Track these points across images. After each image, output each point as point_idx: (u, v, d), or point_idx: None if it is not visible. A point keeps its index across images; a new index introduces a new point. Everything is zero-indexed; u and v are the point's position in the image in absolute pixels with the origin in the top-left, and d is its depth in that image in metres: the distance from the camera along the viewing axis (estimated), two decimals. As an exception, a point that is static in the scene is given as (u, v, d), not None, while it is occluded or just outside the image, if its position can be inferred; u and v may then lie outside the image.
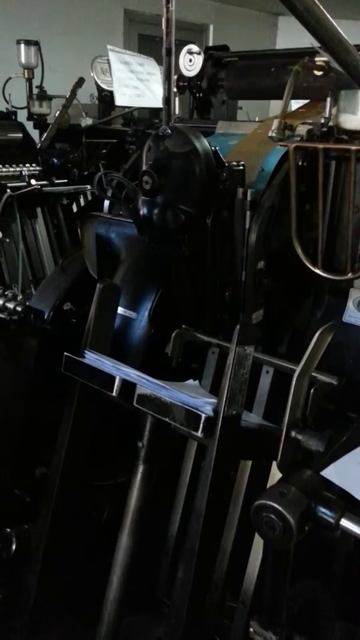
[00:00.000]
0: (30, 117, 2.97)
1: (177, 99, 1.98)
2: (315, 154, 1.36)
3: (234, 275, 1.45)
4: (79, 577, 1.35)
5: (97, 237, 1.54)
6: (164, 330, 1.37)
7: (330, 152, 1.39)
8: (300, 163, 1.38)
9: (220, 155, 1.38)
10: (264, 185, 1.45)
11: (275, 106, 1.75)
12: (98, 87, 3.20)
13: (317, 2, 0.77)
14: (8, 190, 2.35)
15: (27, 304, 1.59)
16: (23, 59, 2.98)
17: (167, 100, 1.34)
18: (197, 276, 1.43)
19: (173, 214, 1.33)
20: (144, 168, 1.33)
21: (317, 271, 1.40)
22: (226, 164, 1.39)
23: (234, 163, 1.41)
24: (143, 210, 1.35)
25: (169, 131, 1.32)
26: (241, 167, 1.42)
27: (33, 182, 2.48)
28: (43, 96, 2.96)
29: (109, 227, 1.53)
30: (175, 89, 2.01)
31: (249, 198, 1.39)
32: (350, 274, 1.39)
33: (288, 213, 1.40)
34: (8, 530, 1.44)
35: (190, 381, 1.29)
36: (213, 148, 1.37)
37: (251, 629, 1.00)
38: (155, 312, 1.38)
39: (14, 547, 1.42)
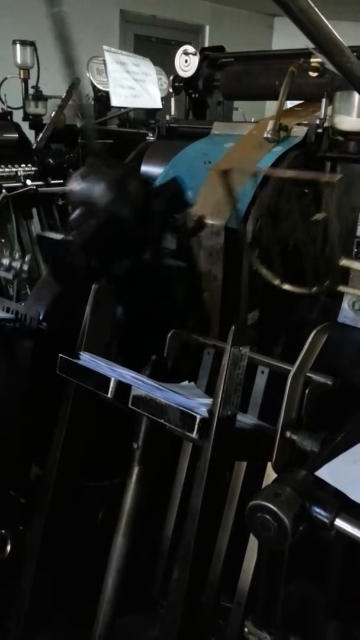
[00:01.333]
0: (25, 117, 2.97)
1: (173, 99, 1.98)
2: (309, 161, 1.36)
3: (198, 293, 1.42)
4: (74, 578, 1.34)
5: (55, 261, 1.40)
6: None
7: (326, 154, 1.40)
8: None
9: (150, 185, 1.31)
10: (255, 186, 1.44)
11: (270, 107, 1.75)
12: (94, 87, 3.21)
13: (311, 3, 0.77)
14: (3, 191, 2.35)
15: (22, 304, 1.58)
16: (19, 60, 2.98)
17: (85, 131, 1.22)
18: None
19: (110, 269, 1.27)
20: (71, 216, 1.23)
21: (279, 284, 1.38)
22: (159, 193, 1.32)
23: (170, 183, 1.35)
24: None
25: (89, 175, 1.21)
26: (176, 189, 1.35)
27: (29, 182, 2.48)
28: (39, 96, 2.96)
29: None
30: (171, 90, 2.02)
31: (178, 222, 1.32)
32: (315, 288, 1.39)
33: (284, 213, 1.40)
34: (3, 531, 1.44)
35: (186, 382, 1.29)
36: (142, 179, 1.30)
37: (246, 629, 1.00)
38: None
39: (8, 548, 1.42)
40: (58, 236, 1.29)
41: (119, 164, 1.33)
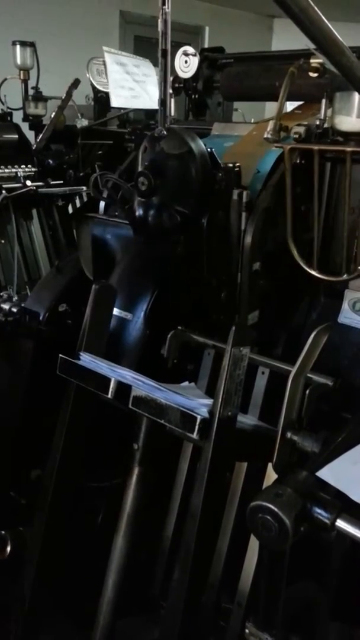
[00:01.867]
0: (25, 118, 2.96)
1: (172, 100, 1.98)
2: (311, 155, 1.37)
3: (230, 276, 1.45)
4: (74, 579, 1.34)
5: (92, 238, 1.53)
6: (160, 332, 1.37)
7: (326, 154, 1.40)
8: (297, 161, 1.38)
9: (216, 156, 1.38)
10: (260, 186, 1.46)
11: (270, 108, 1.75)
12: (94, 88, 3.21)
13: (312, 4, 0.77)
14: (3, 192, 2.35)
15: (23, 305, 1.58)
16: (19, 60, 2.98)
17: (163, 101, 1.34)
18: (193, 277, 1.43)
19: (168, 215, 1.34)
20: (139, 169, 1.33)
21: (313, 272, 1.40)
22: (222, 165, 1.39)
23: (230, 164, 1.41)
24: (139, 211, 1.35)
25: (165, 132, 1.33)
26: (237, 168, 1.42)
27: (28, 183, 2.48)
28: (39, 97, 2.96)
29: (105, 228, 1.53)
30: (170, 91, 2.02)
31: (244, 199, 1.40)
32: (345, 275, 1.40)
33: (284, 214, 1.41)
34: (3, 532, 1.44)
35: (186, 383, 1.29)
36: (209, 149, 1.37)
37: (247, 630, 1.00)
38: (151, 313, 1.38)
39: (8, 549, 1.42)
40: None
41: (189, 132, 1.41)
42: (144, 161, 1.34)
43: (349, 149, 1.33)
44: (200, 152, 1.34)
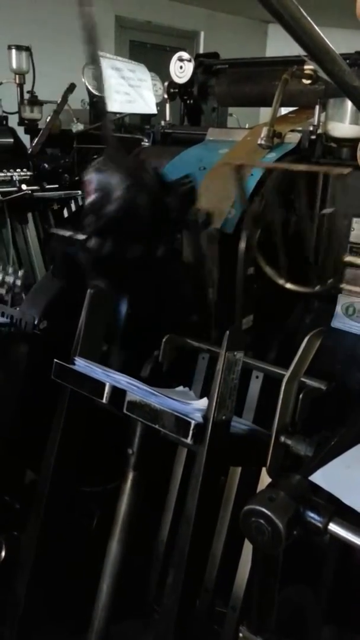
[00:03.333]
0: (21, 122, 2.97)
1: (167, 105, 1.99)
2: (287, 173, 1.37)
3: (204, 294, 1.43)
4: (68, 584, 1.34)
5: (62, 257, 1.45)
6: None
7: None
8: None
9: (163, 176, 1.33)
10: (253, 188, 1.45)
11: (265, 113, 1.76)
12: (89, 92, 3.22)
13: (303, 12, 0.78)
14: (-1, 196, 2.36)
15: (17, 309, 1.58)
16: (14, 64, 2.99)
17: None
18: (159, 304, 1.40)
19: (122, 257, 1.27)
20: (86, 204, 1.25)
21: (281, 283, 1.39)
22: (170, 184, 1.33)
23: (184, 181, 1.37)
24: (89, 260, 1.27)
25: (102, 166, 1.24)
26: (189, 185, 1.36)
27: (24, 187, 2.49)
28: (34, 101, 2.97)
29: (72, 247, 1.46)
30: (166, 96, 2.03)
31: (200, 219, 1.35)
32: (318, 287, 1.40)
33: (276, 220, 1.41)
34: (-3, 537, 1.43)
35: (181, 388, 1.29)
36: (157, 172, 1.32)
37: (241, 634, 1.00)
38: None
39: (3, 554, 1.42)
40: (67, 232, 1.31)
41: (134, 157, 1.35)
42: (89, 196, 1.25)
43: (335, 171, 1.33)
44: (146, 183, 1.25)
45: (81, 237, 1.29)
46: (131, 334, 1.38)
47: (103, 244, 1.24)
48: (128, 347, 1.38)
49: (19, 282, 1.50)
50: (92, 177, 1.25)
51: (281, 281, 1.38)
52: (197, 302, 1.44)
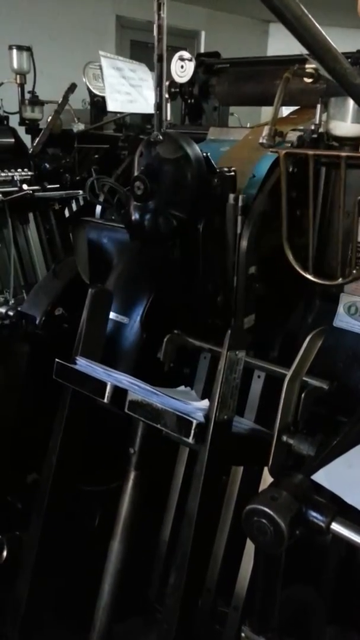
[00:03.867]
0: (22, 122, 2.97)
1: (168, 104, 1.99)
2: (306, 160, 1.38)
3: (225, 280, 1.46)
4: (70, 583, 1.34)
5: (88, 243, 1.54)
6: (156, 336, 1.37)
7: (321, 159, 1.41)
8: (290, 169, 1.39)
9: (212, 161, 1.39)
10: (256, 191, 1.46)
11: (266, 112, 1.76)
12: (90, 92, 3.22)
13: (305, 11, 0.78)
14: (0, 196, 2.35)
15: (19, 309, 1.59)
16: (15, 64, 2.99)
17: (159, 106, 1.35)
18: (189, 281, 1.43)
19: (165, 219, 1.34)
20: (135, 173, 1.34)
21: (308, 276, 1.41)
22: (217, 170, 1.40)
23: (225, 169, 1.42)
24: (135, 216, 1.36)
25: (161, 137, 1.33)
26: (232, 173, 1.43)
27: (25, 187, 2.48)
28: (35, 101, 2.97)
29: (101, 232, 1.53)
30: (167, 95, 2.02)
31: (240, 204, 1.40)
32: (340, 279, 1.40)
33: (279, 218, 1.41)
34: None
35: (182, 387, 1.29)
36: (204, 154, 1.38)
37: (243, 634, 1.00)
38: (147, 317, 1.39)
39: (5, 554, 1.42)
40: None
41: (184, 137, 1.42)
42: (140, 166, 1.35)
43: (343, 154, 1.34)
44: (196, 157, 1.35)
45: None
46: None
47: (147, 209, 1.32)
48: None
49: (11, 313, 1.51)
50: (147, 146, 1.34)
51: (307, 274, 1.40)
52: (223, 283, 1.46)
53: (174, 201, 1.34)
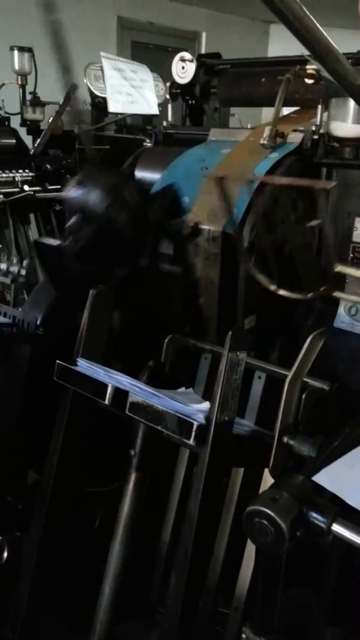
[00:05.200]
0: (23, 123, 2.98)
1: (170, 106, 1.99)
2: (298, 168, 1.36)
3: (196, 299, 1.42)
4: (71, 585, 1.34)
5: (50, 267, 1.44)
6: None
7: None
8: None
9: (146, 192, 1.33)
10: (253, 190, 1.45)
11: (267, 113, 1.76)
12: (91, 93, 3.23)
13: (307, 12, 0.78)
14: (1, 196, 2.36)
15: (20, 310, 1.58)
16: (16, 65, 2.99)
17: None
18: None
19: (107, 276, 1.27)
20: (67, 222, 1.25)
21: (272, 288, 1.38)
22: (155, 199, 1.34)
23: (167, 190, 1.36)
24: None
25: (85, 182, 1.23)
26: (173, 195, 1.36)
27: (26, 188, 2.49)
28: (36, 102, 2.97)
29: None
30: (168, 96, 2.03)
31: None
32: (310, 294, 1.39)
33: (278, 220, 1.41)
34: (0, 537, 1.43)
35: (183, 389, 1.29)
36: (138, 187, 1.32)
37: (243, 636, 1.00)
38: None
39: (5, 554, 1.42)
40: (55, 242, 1.30)
41: (114, 171, 1.34)
42: (70, 215, 1.25)
43: (318, 186, 1.31)
44: (127, 198, 1.24)
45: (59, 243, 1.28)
46: (130, 338, 1.37)
47: (85, 264, 1.24)
48: (126, 353, 1.38)
49: (23, 272, 1.50)
50: (70, 195, 1.24)
51: (272, 287, 1.38)
52: (195, 306, 1.43)
53: (114, 251, 1.26)
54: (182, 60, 1.96)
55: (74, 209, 1.24)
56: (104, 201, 1.21)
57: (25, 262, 1.53)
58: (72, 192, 1.24)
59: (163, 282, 1.38)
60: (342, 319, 1.45)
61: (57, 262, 1.32)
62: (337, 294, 1.36)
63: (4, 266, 1.55)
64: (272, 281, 1.35)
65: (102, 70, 2.66)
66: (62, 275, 1.35)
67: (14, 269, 1.52)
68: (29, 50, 2.97)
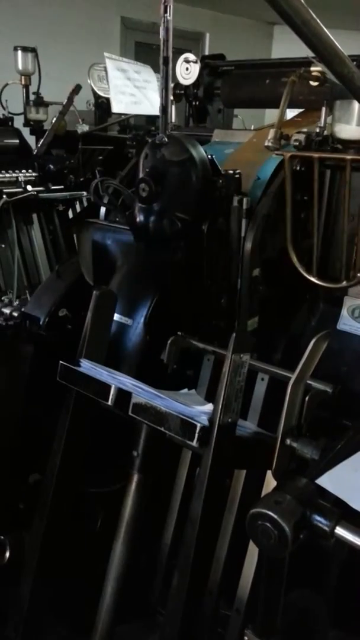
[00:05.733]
0: (26, 123, 2.98)
1: (173, 107, 1.99)
2: (311, 163, 1.37)
3: (229, 282, 1.46)
4: (73, 585, 1.34)
5: (93, 244, 1.54)
6: (160, 337, 1.37)
7: (326, 161, 1.41)
8: (297, 169, 1.39)
9: (217, 163, 1.39)
10: (260, 193, 1.46)
11: (270, 114, 1.76)
12: (95, 93, 3.22)
13: (313, 15, 0.78)
14: (4, 196, 2.36)
15: (23, 310, 1.59)
16: (20, 66, 2.99)
17: (164, 108, 1.35)
18: (193, 283, 1.43)
19: (169, 221, 1.34)
20: (140, 175, 1.34)
21: (312, 279, 1.41)
22: (222, 172, 1.40)
23: (230, 171, 1.42)
24: (140, 217, 1.36)
25: (166, 139, 1.33)
26: (237, 175, 1.43)
27: (29, 188, 2.49)
28: (40, 102, 2.97)
29: (105, 233, 1.53)
30: (171, 97, 2.03)
31: (245, 206, 1.40)
32: (344, 282, 1.40)
33: (284, 221, 1.41)
34: (2, 537, 1.43)
35: (186, 390, 1.29)
36: (209, 156, 1.38)
37: (245, 638, 1.00)
38: (151, 319, 1.39)
39: (7, 554, 1.42)
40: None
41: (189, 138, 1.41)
42: (145, 167, 1.35)
43: (348, 157, 1.34)
44: (201, 158, 1.35)
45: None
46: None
47: (157, 205, 1.32)
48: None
49: (15, 314, 1.52)
50: (151, 148, 1.33)
51: (311, 277, 1.39)
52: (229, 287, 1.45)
53: (179, 203, 1.34)
54: (186, 61, 1.96)
55: (152, 160, 1.33)
56: (182, 155, 1.31)
57: (15, 303, 1.55)
58: (152, 146, 1.34)
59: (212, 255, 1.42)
60: (346, 321, 1.45)
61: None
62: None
63: None
64: (308, 269, 1.37)
65: (105, 70, 2.65)
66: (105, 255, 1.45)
67: (7, 310, 1.53)
68: (33, 50, 2.97)
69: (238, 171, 1.43)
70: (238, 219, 1.41)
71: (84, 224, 1.59)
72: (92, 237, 1.54)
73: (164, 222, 1.34)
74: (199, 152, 1.35)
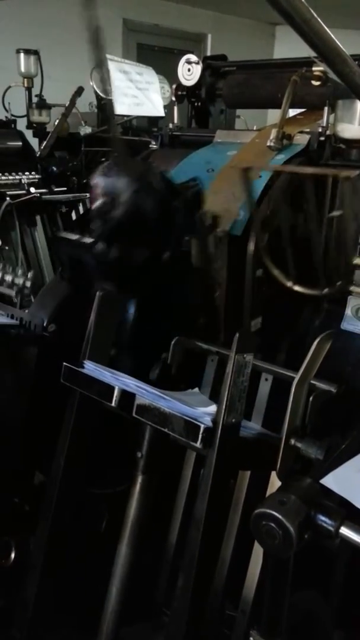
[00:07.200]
0: (29, 125, 2.99)
1: (175, 108, 1.99)
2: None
3: (211, 297, 1.43)
4: (78, 586, 1.34)
5: (69, 261, 1.46)
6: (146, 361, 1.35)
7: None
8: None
9: (172, 182, 1.32)
10: (260, 192, 1.45)
11: (272, 114, 1.76)
12: (97, 95, 3.24)
13: (314, 14, 0.78)
14: (7, 199, 2.37)
15: (26, 311, 1.59)
16: (23, 68, 3.01)
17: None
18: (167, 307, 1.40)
19: (129, 261, 1.26)
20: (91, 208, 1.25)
21: (289, 284, 1.39)
22: (178, 189, 1.33)
23: (190, 183, 1.37)
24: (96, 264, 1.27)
25: (112, 169, 1.23)
26: (196, 188, 1.38)
27: (32, 190, 2.50)
28: (42, 105, 2.99)
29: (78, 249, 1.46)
30: (174, 98, 2.03)
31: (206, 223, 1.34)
32: (326, 290, 1.39)
33: (285, 220, 1.41)
34: (7, 538, 1.44)
35: (190, 390, 1.29)
36: (164, 176, 1.31)
37: (251, 638, 1.00)
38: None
39: (12, 555, 1.42)
40: (74, 236, 1.31)
41: (141, 161, 1.35)
42: (95, 198, 1.23)
43: (343, 174, 1.32)
44: (154, 186, 1.24)
45: (88, 240, 1.28)
46: (140, 338, 1.38)
47: (110, 249, 1.23)
48: (137, 351, 1.38)
49: (28, 284, 1.50)
50: (98, 181, 1.24)
51: (289, 283, 1.38)
52: (205, 304, 1.43)
53: (137, 241, 1.25)
54: (188, 62, 1.96)
55: (101, 195, 1.23)
56: (131, 186, 1.19)
57: (30, 274, 1.53)
58: (99, 177, 1.23)
59: (180, 278, 1.37)
60: (350, 320, 1.44)
61: (77, 256, 1.31)
62: (353, 288, 1.37)
63: (9, 278, 1.55)
64: (287, 277, 1.36)
65: (107, 72, 2.66)
66: (81, 270, 1.35)
67: (19, 280, 1.52)
68: (35, 52, 2.98)
69: (195, 183, 1.38)
70: (204, 235, 1.35)
71: (57, 241, 1.54)
72: (68, 254, 1.46)
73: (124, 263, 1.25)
74: (152, 177, 1.25)
